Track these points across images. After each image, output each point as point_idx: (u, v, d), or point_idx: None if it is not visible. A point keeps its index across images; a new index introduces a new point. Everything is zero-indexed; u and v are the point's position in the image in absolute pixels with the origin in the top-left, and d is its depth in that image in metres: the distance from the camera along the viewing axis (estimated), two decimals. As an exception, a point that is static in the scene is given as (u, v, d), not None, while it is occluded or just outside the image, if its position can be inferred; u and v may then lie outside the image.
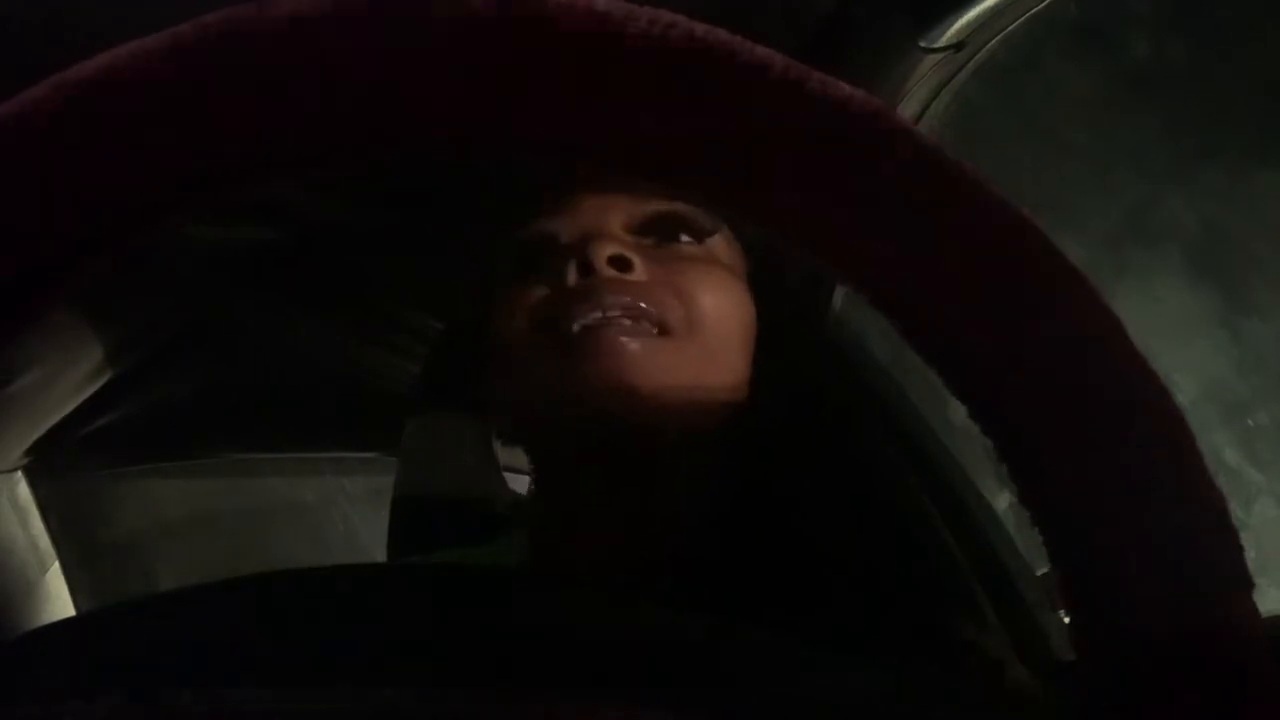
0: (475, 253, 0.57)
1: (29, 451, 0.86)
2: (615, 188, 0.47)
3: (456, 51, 0.21)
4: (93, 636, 0.30)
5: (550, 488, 0.51)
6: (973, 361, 0.21)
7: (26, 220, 0.21)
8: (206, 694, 0.25)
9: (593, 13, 0.20)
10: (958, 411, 0.22)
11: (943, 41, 0.57)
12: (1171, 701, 0.20)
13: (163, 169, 0.21)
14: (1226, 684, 0.19)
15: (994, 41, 0.60)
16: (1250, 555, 0.20)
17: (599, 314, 0.42)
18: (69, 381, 0.79)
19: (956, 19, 0.56)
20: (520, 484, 0.66)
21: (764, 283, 0.50)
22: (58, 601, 0.94)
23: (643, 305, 0.42)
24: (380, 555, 0.66)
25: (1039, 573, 0.54)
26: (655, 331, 0.42)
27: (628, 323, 0.42)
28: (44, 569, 0.93)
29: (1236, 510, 0.20)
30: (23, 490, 0.91)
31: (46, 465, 0.90)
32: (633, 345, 0.42)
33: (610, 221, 0.46)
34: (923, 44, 0.57)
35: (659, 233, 0.47)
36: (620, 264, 0.43)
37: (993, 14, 0.56)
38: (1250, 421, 0.82)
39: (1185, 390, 0.82)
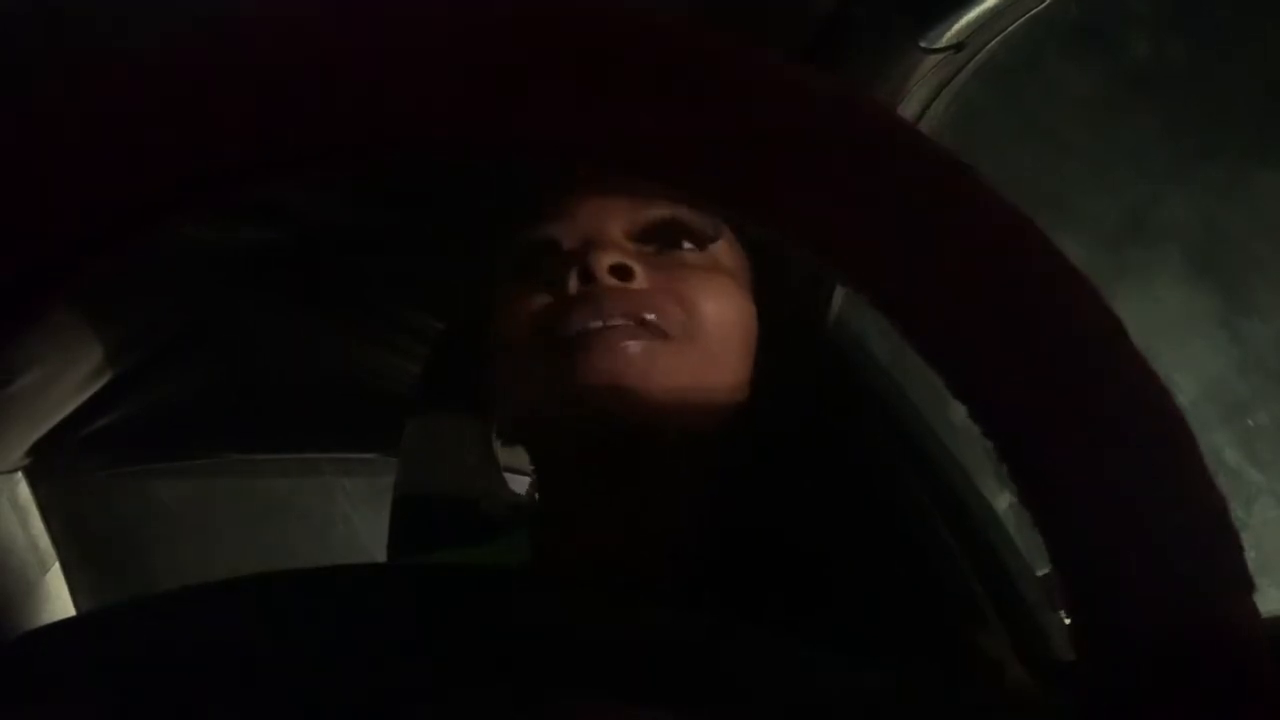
0: (475, 253, 0.57)
1: (30, 452, 0.86)
2: (616, 191, 0.47)
3: (456, 51, 0.21)
4: (93, 636, 0.30)
5: (551, 488, 0.51)
6: (973, 362, 0.21)
7: (26, 220, 0.21)
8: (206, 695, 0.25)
9: (593, 13, 0.20)
10: (958, 412, 0.22)
11: (943, 42, 0.57)
12: (1172, 702, 0.20)
13: (163, 169, 0.21)
14: (1227, 684, 0.19)
15: (994, 42, 0.60)
16: (1250, 555, 0.20)
17: (599, 322, 0.42)
18: (69, 382, 0.79)
19: (956, 19, 0.56)
20: (520, 484, 0.67)
21: (765, 283, 0.50)
22: (58, 602, 0.94)
23: (644, 314, 0.42)
24: (380, 555, 0.66)
25: (1039, 573, 0.54)
26: (654, 337, 0.43)
27: (628, 329, 0.42)
28: (44, 569, 0.93)
29: (1236, 510, 0.20)
30: (23, 491, 0.91)
31: (47, 466, 0.90)
32: (631, 348, 0.42)
33: (611, 228, 0.46)
34: (923, 44, 0.57)
35: (660, 239, 0.47)
36: (621, 273, 0.43)
37: (993, 14, 0.56)
38: (1250, 421, 0.82)
39: (1185, 390, 0.82)
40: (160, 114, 0.21)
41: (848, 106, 0.21)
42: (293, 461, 1.01)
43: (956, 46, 0.58)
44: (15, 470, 0.89)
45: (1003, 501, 0.55)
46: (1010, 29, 0.59)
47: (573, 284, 0.43)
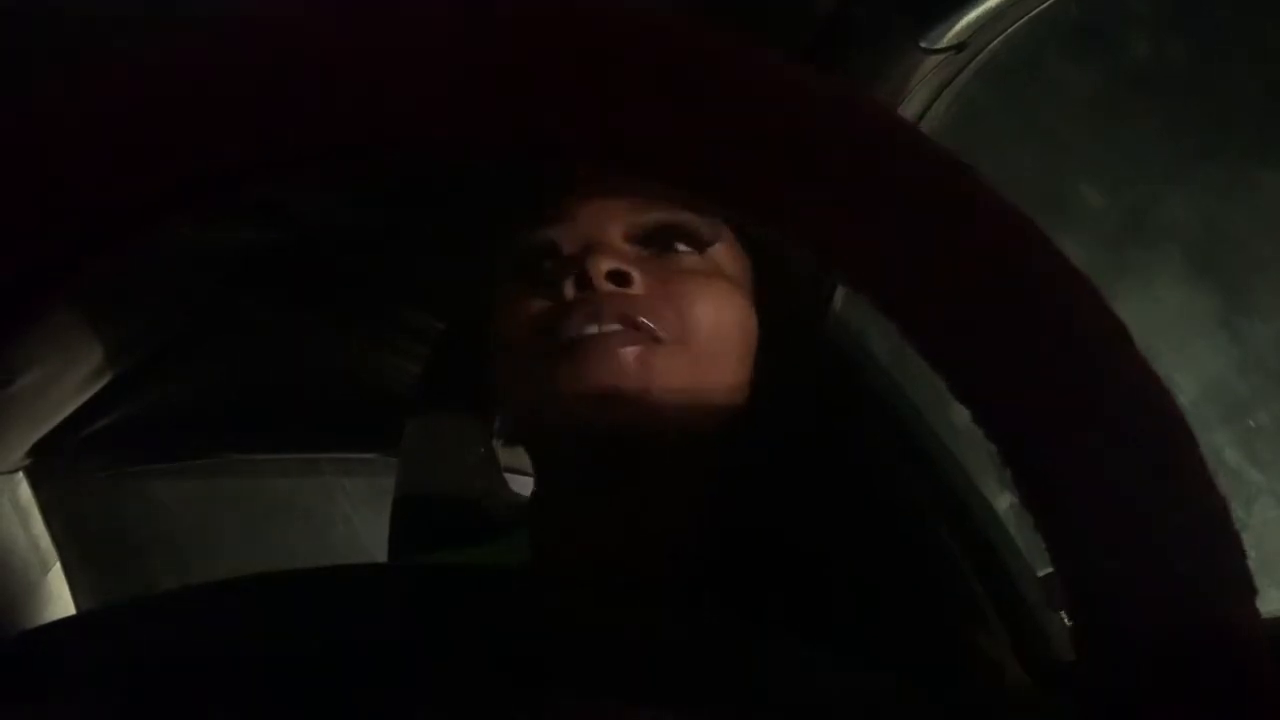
0: (475, 253, 0.57)
1: (31, 452, 0.86)
2: (616, 194, 0.47)
3: (456, 51, 0.21)
4: (92, 635, 0.30)
5: (551, 488, 0.51)
6: (974, 363, 0.21)
7: (26, 220, 0.21)
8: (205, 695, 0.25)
9: (593, 13, 0.20)
10: (959, 413, 0.22)
11: (944, 42, 0.57)
12: (1172, 703, 0.20)
13: (163, 169, 0.21)
14: (1227, 685, 0.19)
15: (995, 42, 0.60)
16: (1250, 555, 0.20)
17: (595, 327, 0.42)
18: (70, 382, 0.79)
19: (957, 20, 0.56)
20: (520, 484, 0.67)
21: (765, 284, 0.50)
22: (59, 602, 0.94)
23: (640, 319, 0.43)
24: (380, 555, 0.66)
25: (1039, 573, 0.54)
26: (650, 342, 0.43)
27: (623, 334, 0.43)
28: (45, 569, 0.93)
29: (1236, 510, 0.20)
30: (24, 491, 0.91)
31: (48, 466, 0.90)
32: (627, 353, 0.42)
33: (610, 231, 0.46)
34: (924, 45, 0.57)
35: (659, 243, 0.47)
36: (618, 279, 0.44)
37: (993, 15, 0.56)
38: (1250, 421, 0.82)
39: (1185, 390, 0.82)
40: (160, 114, 0.21)
41: (848, 107, 0.21)
42: (293, 461, 1.01)
43: (957, 47, 0.58)
44: (16, 470, 0.89)
45: (1003, 502, 0.55)
46: (1011, 29, 0.59)
47: (570, 290, 0.44)
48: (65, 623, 0.39)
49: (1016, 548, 0.54)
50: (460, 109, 0.21)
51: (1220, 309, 0.82)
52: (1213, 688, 0.19)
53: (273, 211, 0.72)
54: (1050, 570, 0.21)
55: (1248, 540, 0.20)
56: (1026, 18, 0.59)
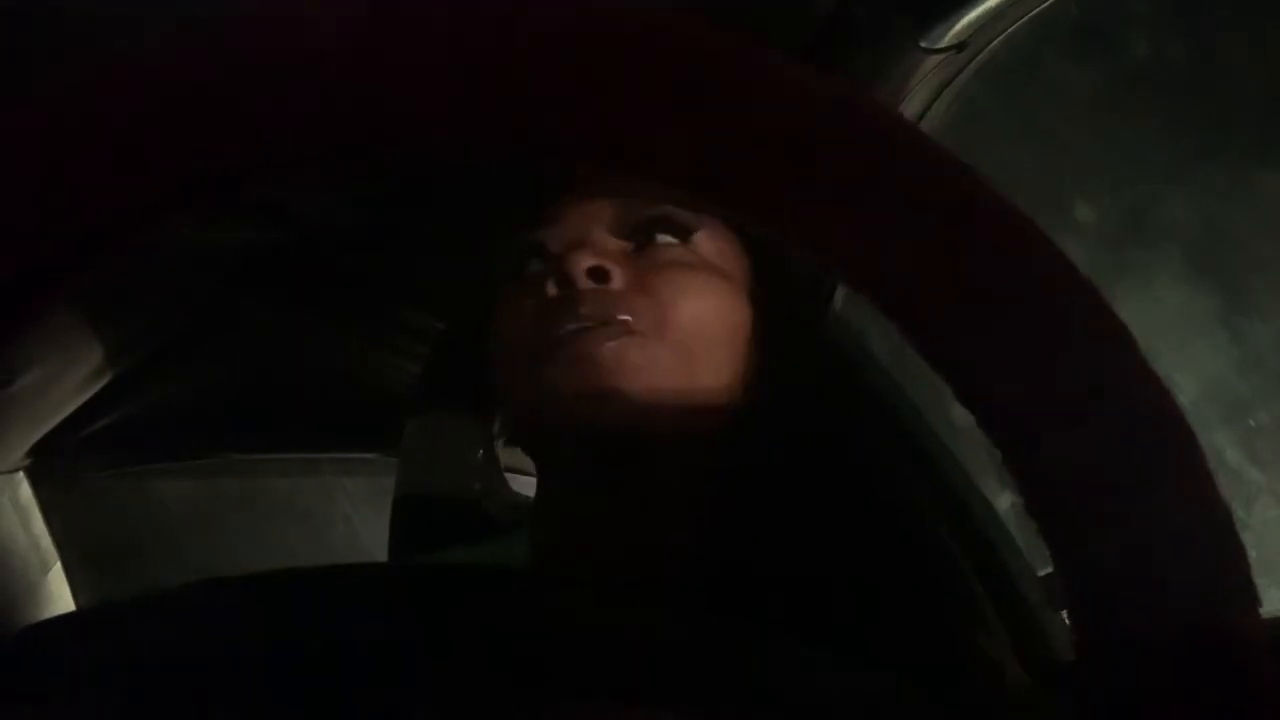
0: (475, 253, 0.57)
1: (31, 452, 0.86)
2: (602, 193, 0.47)
3: (456, 51, 0.21)
4: (93, 635, 0.30)
5: (550, 488, 0.51)
6: (974, 364, 0.21)
7: (26, 220, 0.21)
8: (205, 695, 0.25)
9: (593, 13, 0.20)
10: (959, 412, 0.22)
11: (944, 42, 0.57)
12: (1172, 703, 0.19)
13: (163, 169, 0.21)
14: (1227, 686, 0.19)
15: (995, 42, 0.60)
16: (1250, 555, 0.20)
17: (574, 325, 0.43)
18: (70, 382, 0.79)
19: (957, 20, 0.56)
20: (520, 484, 0.67)
21: (765, 282, 0.50)
22: (59, 602, 0.94)
23: (617, 314, 0.43)
24: (380, 555, 0.66)
25: (1039, 573, 0.54)
26: (627, 336, 0.43)
27: (601, 331, 0.43)
28: (45, 569, 0.93)
29: (1237, 510, 0.20)
30: (24, 491, 0.91)
31: (48, 466, 0.90)
32: (603, 350, 0.43)
33: (594, 229, 0.47)
34: (924, 44, 0.57)
35: (642, 236, 0.47)
36: (597, 275, 0.44)
37: (993, 15, 0.56)
38: (1250, 421, 0.82)
39: (1185, 390, 0.82)
40: (160, 114, 0.21)
41: (848, 107, 0.21)
42: (293, 461, 1.00)
43: (957, 47, 0.58)
44: (16, 470, 0.89)
45: (1003, 501, 0.55)
46: (1011, 29, 0.59)
47: (551, 288, 0.44)
48: (65, 620, 0.39)
49: (1016, 548, 0.54)
50: (460, 109, 0.21)
51: (1220, 309, 0.82)
52: (1213, 688, 0.19)
53: (273, 211, 0.72)
54: (1050, 570, 0.21)
55: (1248, 540, 0.20)
56: (1026, 18, 0.59)
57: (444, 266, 0.79)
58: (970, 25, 0.56)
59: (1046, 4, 0.58)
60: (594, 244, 0.46)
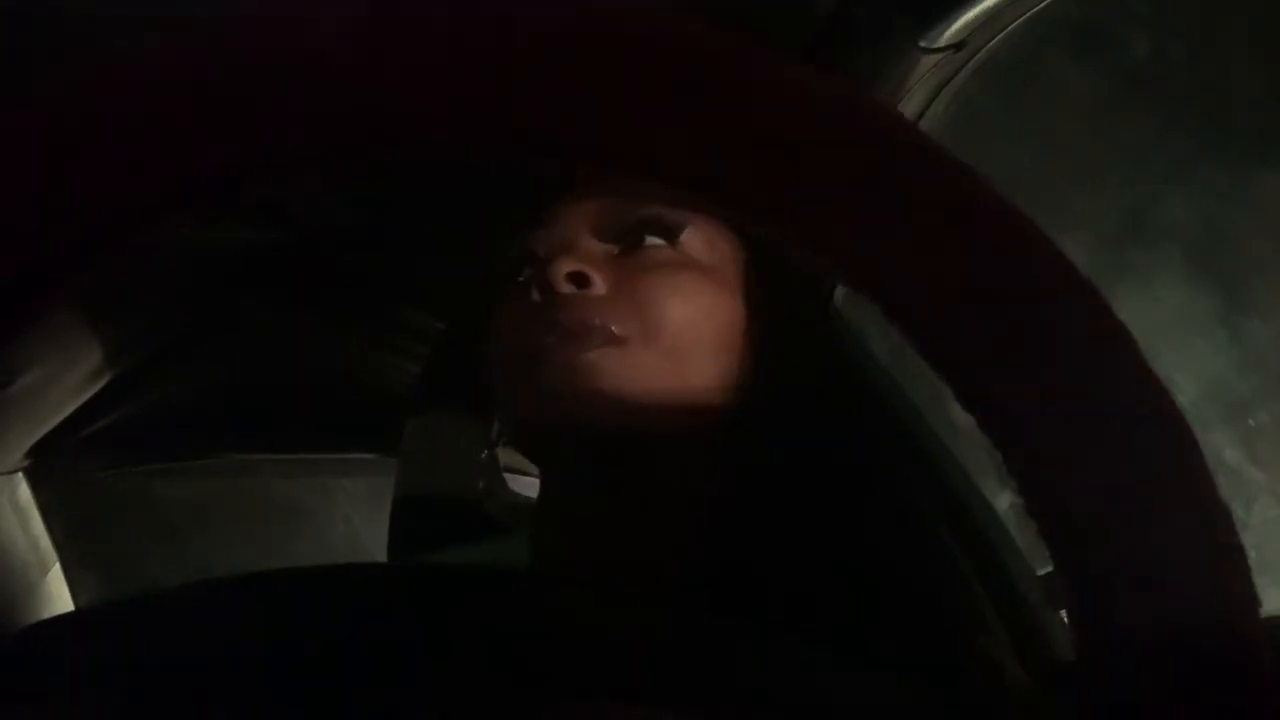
0: (475, 253, 0.57)
1: (30, 453, 0.86)
2: (591, 195, 0.47)
3: (457, 52, 0.21)
4: (93, 635, 0.30)
5: (550, 489, 0.51)
6: (973, 364, 0.21)
7: (26, 220, 0.21)
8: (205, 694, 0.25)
9: (594, 13, 0.20)
10: (958, 412, 0.22)
11: (943, 41, 0.57)
12: (1172, 704, 0.19)
13: (163, 169, 0.21)
14: (1227, 686, 0.19)
15: (994, 42, 0.60)
16: (1250, 555, 0.20)
17: (556, 334, 0.43)
18: (69, 382, 0.79)
19: (956, 19, 0.56)
20: (520, 484, 0.67)
21: (763, 281, 0.50)
22: (59, 603, 0.94)
23: (598, 320, 0.43)
24: (380, 555, 0.66)
25: (1040, 573, 0.54)
26: (609, 344, 0.43)
27: (582, 340, 0.43)
28: (45, 570, 0.93)
29: (1236, 510, 0.20)
30: (24, 492, 0.91)
31: (48, 467, 0.90)
32: (584, 359, 0.43)
33: (580, 233, 0.47)
34: (923, 44, 0.57)
35: (629, 238, 0.47)
36: (578, 280, 0.44)
37: (992, 14, 0.56)
38: (1250, 421, 0.82)
39: (1185, 390, 0.82)
40: (160, 114, 0.21)
41: (849, 107, 0.21)
42: (293, 462, 1.00)
43: (956, 46, 0.58)
44: (16, 471, 0.89)
45: (1003, 501, 0.55)
46: (1010, 29, 0.59)
47: (534, 294, 0.44)
48: (65, 620, 0.39)
49: (1016, 548, 0.54)
50: (460, 109, 0.21)
51: (1220, 309, 0.82)
52: (1213, 688, 0.19)
53: (273, 211, 0.72)
54: (1050, 570, 0.21)
55: (1248, 540, 0.20)
56: (1025, 17, 0.59)
57: (444, 266, 0.79)
58: (969, 25, 0.56)
59: (1045, 3, 0.58)
60: (578, 248, 0.46)
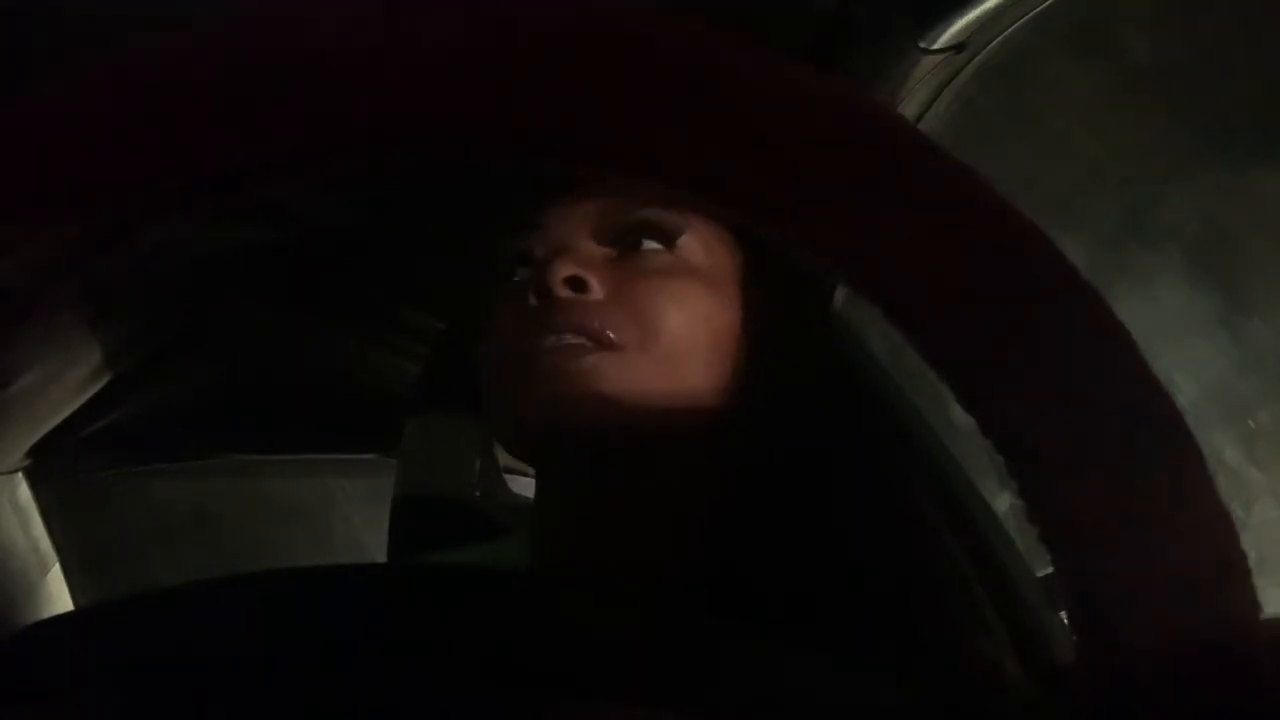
0: (475, 253, 0.57)
1: (30, 453, 0.86)
2: (587, 197, 0.47)
3: (457, 52, 0.21)
4: (92, 635, 0.30)
5: (546, 491, 0.51)
6: (974, 365, 0.21)
7: (27, 220, 0.21)
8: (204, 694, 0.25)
9: (594, 14, 0.20)
10: (958, 412, 0.22)
11: (943, 42, 0.57)
12: (1172, 705, 0.19)
13: (164, 170, 0.21)
14: (1227, 688, 0.19)
15: (995, 42, 0.60)
16: (1250, 556, 0.20)
17: (552, 338, 0.43)
18: (69, 382, 0.79)
19: (957, 20, 0.56)
20: (520, 484, 0.67)
21: (763, 282, 0.50)
22: (58, 603, 0.94)
23: (594, 325, 0.43)
24: (380, 555, 0.66)
25: (1039, 574, 0.54)
26: (605, 350, 0.43)
27: (578, 346, 0.43)
28: (45, 570, 0.93)
29: (1237, 510, 0.20)
30: (24, 492, 0.91)
31: (48, 467, 0.90)
32: (579, 366, 0.43)
33: (577, 236, 0.47)
34: (923, 45, 0.57)
35: (626, 242, 0.47)
36: (575, 284, 0.44)
37: (993, 15, 0.56)
38: (1251, 422, 0.82)
39: (1185, 390, 0.81)
40: (161, 115, 0.21)
41: (849, 107, 0.21)
42: (293, 462, 1.01)
43: (957, 47, 0.58)
44: (16, 471, 0.89)
45: (1003, 502, 0.55)
46: (1010, 29, 0.59)
47: (531, 298, 0.44)
48: (65, 620, 0.39)
49: (1016, 548, 0.54)
50: (460, 110, 0.21)
51: (1220, 309, 0.82)
52: (1213, 690, 0.19)
53: (273, 211, 0.72)
54: (1050, 570, 0.21)
55: (1247, 540, 0.20)
56: (1026, 18, 0.59)
57: (444, 266, 0.79)
58: (969, 26, 0.56)
59: (1046, 4, 0.58)
60: (576, 251, 0.46)
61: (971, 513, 0.53)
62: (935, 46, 0.57)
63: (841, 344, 0.57)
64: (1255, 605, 0.20)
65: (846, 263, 0.22)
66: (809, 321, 0.58)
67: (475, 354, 0.50)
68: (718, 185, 0.22)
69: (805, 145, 0.21)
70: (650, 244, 0.47)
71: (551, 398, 0.43)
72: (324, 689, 0.26)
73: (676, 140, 0.21)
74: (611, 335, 0.43)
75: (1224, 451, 0.82)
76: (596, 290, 0.44)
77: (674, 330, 0.45)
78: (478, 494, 0.62)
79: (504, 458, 0.65)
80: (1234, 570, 0.20)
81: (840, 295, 0.63)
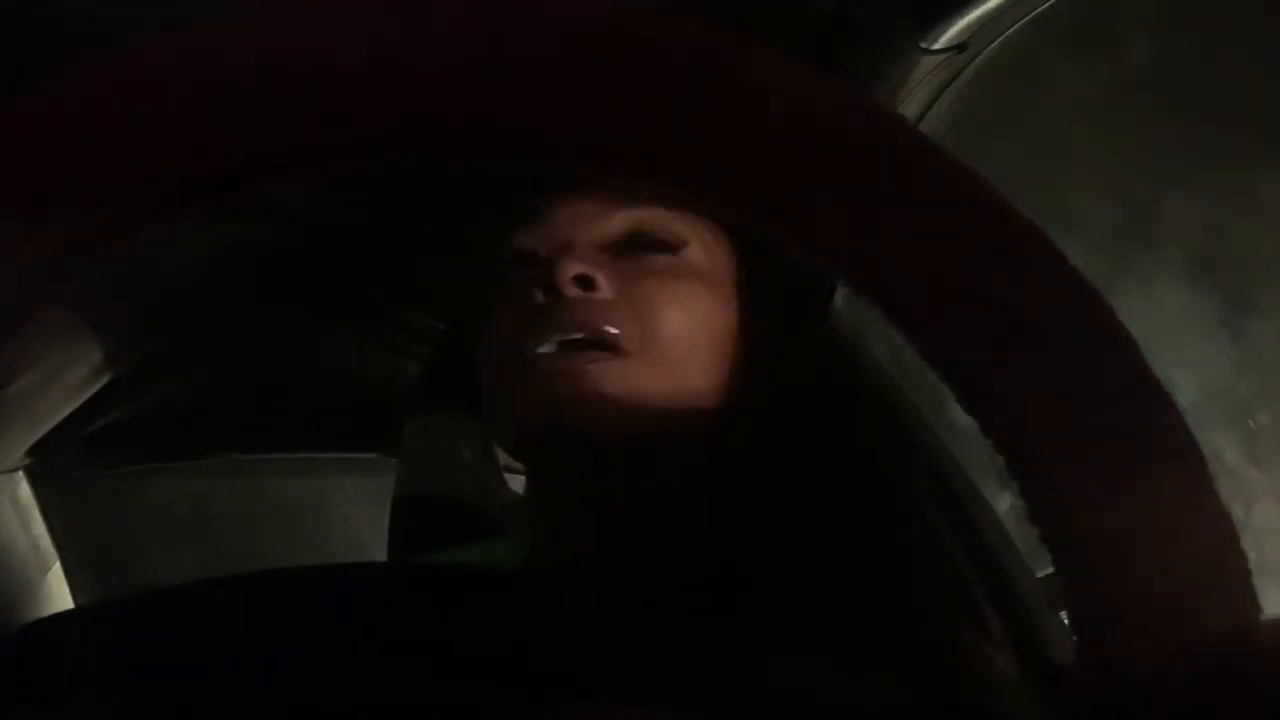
0: (475, 253, 0.57)
1: (30, 452, 0.86)
2: (589, 197, 0.47)
3: (456, 52, 0.21)
4: (92, 634, 0.30)
5: (542, 492, 0.51)
6: (975, 366, 0.21)
7: (27, 219, 0.21)
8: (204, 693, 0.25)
9: (597, 16, 0.20)
10: (959, 413, 0.22)
11: (943, 43, 0.57)
12: (1173, 706, 0.19)
13: (163, 169, 0.21)
14: (1227, 689, 0.19)
15: (995, 43, 0.60)
16: (1250, 556, 0.20)
17: (561, 336, 0.43)
18: (69, 382, 0.79)
19: (957, 20, 0.56)
20: (520, 484, 0.66)
21: (762, 283, 0.50)
22: (58, 602, 0.94)
23: (603, 327, 0.43)
24: (380, 555, 0.66)
25: (1039, 574, 0.54)
26: (612, 354, 0.43)
27: (586, 347, 0.43)
28: (45, 569, 0.93)
29: (1236, 511, 0.20)
30: (24, 490, 0.91)
31: (48, 466, 0.90)
32: (588, 370, 0.43)
33: (582, 235, 0.46)
34: (923, 45, 0.57)
35: (631, 246, 0.47)
36: (584, 283, 0.44)
37: (994, 15, 0.56)
38: (1251, 422, 0.82)
39: (1185, 390, 0.81)
40: (161, 115, 0.21)
41: (850, 108, 0.21)
42: (292, 462, 1.00)
43: (958, 48, 0.58)
44: (16, 470, 0.89)
45: (1003, 502, 0.55)
46: (1011, 30, 0.59)
47: (538, 295, 0.44)
48: (65, 619, 0.39)
49: (1016, 549, 0.54)
50: (460, 110, 0.21)
51: (1220, 309, 0.82)
52: (1213, 691, 0.19)
53: (273, 211, 0.72)
54: (1049, 571, 0.21)
55: (1248, 541, 0.20)
56: (1027, 18, 0.59)
57: (444, 266, 0.79)
58: (970, 26, 0.56)
59: (1047, 4, 0.58)
60: (581, 250, 0.45)
61: (971, 513, 0.53)
62: (936, 47, 0.57)
63: (840, 346, 0.57)
64: (1255, 605, 0.20)
65: (846, 263, 0.22)
66: (808, 322, 0.58)
67: (475, 354, 0.50)
68: (717, 185, 0.22)
69: (805, 145, 0.21)
70: (656, 249, 0.47)
71: (553, 397, 0.43)
72: (324, 689, 0.26)
73: (676, 140, 0.21)
74: (618, 337, 0.43)
75: (1224, 451, 0.82)
76: (605, 290, 0.44)
77: (678, 334, 0.45)
78: (478, 494, 0.62)
79: (504, 458, 0.65)
80: (1234, 571, 0.20)
81: (840, 295, 0.63)
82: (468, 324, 0.62)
